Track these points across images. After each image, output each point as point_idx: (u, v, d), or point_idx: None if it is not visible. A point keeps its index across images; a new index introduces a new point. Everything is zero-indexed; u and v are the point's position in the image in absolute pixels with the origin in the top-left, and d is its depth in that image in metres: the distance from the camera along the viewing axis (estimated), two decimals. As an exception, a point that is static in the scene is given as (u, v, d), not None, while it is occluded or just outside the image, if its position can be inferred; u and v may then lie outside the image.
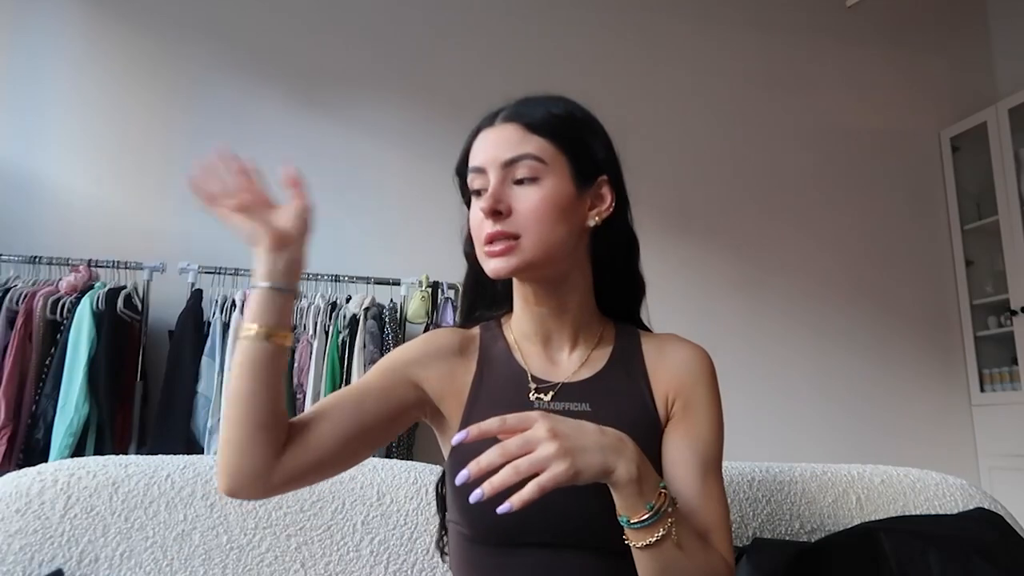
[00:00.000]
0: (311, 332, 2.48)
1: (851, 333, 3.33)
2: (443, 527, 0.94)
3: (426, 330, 2.68)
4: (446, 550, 0.93)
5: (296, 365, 2.44)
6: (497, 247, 0.84)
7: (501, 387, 0.89)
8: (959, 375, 3.42)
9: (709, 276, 3.23)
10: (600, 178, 0.89)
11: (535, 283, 0.89)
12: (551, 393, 0.88)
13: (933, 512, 1.16)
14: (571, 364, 0.91)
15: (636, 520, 0.72)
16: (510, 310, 0.95)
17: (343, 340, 2.49)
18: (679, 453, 0.85)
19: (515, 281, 0.92)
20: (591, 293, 0.93)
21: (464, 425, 0.85)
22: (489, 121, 0.89)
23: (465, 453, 0.76)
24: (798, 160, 3.44)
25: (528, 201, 0.84)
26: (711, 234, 3.29)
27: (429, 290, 2.68)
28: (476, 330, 0.96)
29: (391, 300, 2.67)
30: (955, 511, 1.15)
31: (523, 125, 0.86)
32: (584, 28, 3.32)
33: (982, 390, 3.35)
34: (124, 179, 2.79)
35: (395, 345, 2.52)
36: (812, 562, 0.99)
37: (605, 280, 0.94)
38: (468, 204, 0.91)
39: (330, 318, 2.52)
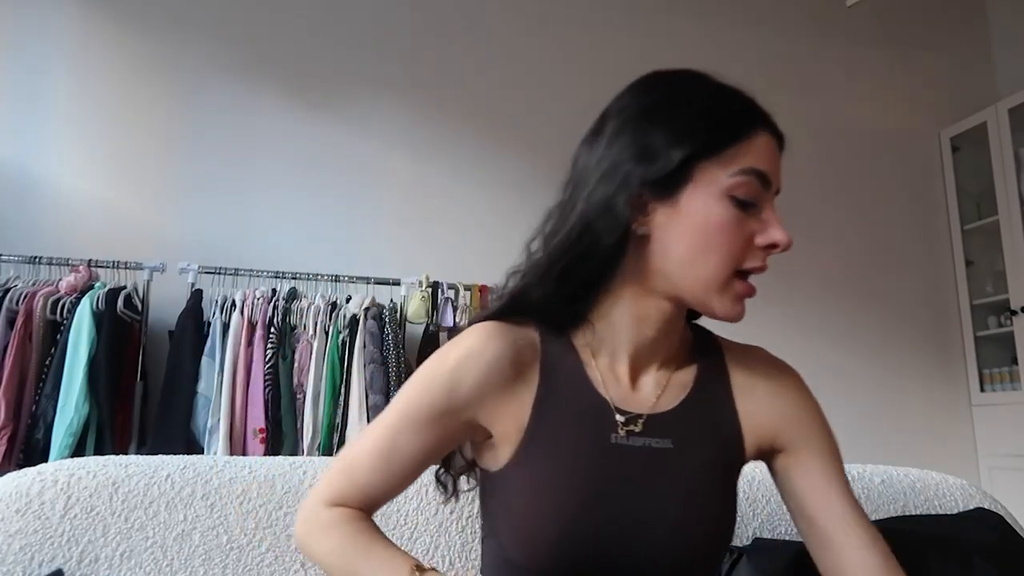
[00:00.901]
0: (311, 332, 2.48)
1: (851, 333, 3.33)
2: (446, 470, 0.89)
3: (426, 330, 2.68)
4: (448, 484, 0.89)
5: (296, 365, 2.44)
6: (751, 288, 0.74)
7: (573, 415, 0.76)
8: (959, 375, 3.42)
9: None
10: None
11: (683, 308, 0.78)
12: (639, 424, 0.76)
13: (933, 512, 1.16)
14: (652, 389, 0.79)
15: None
16: (581, 318, 0.79)
17: (343, 340, 2.49)
18: (818, 491, 0.79)
19: (652, 298, 0.76)
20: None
21: (524, 452, 0.74)
22: (770, 126, 0.76)
23: (532, 466, 0.73)
24: (798, 160, 3.41)
25: None
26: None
27: (429, 290, 2.68)
28: (533, 332, 0.78)
29: (391, 300, 2.67)
30: (955, 511, 1.15)
31: (781, 150, 0.77)
32: (584, 28, 3.32)
33: (982, 390, 3.35)
34: (124, 179, 2.79)
35: (395, 345, 2.52)
36: (812, 562, 0.99)
37: None
38: (661, 181, 0.71)
39: (330, 318, 2.52)
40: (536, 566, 0.73)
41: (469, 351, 0.75)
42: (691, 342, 0.83)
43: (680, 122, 0.72)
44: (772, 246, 0.73)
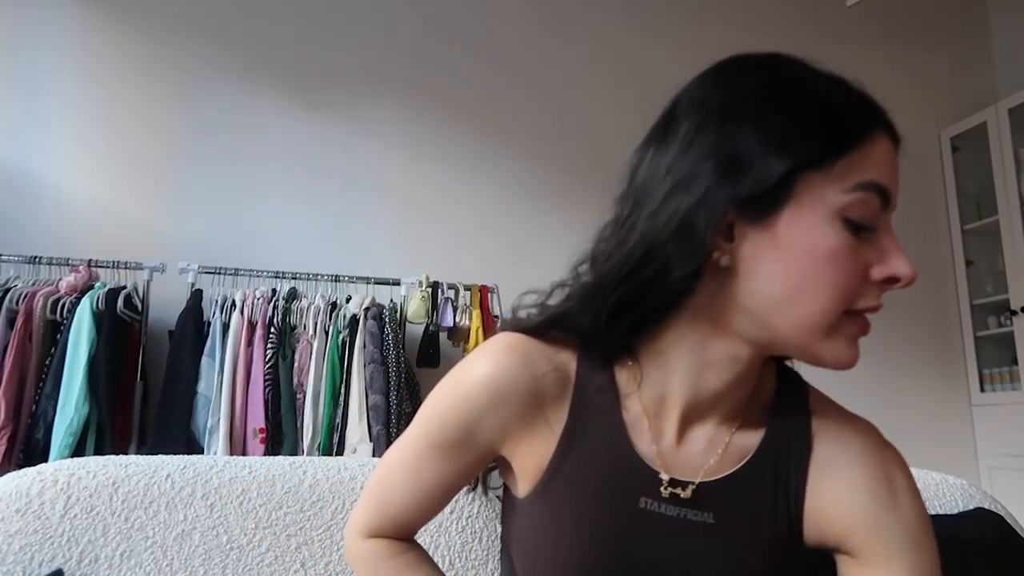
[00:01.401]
0: (311, 332, 2.48)
1: (851, 333, 3.33)
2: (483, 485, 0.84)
3: (426, 330, 2.68)
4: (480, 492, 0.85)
5: (296, 365, 2.44)
6: (867, 326, 0.59)
7: (600, 465, 0.64)
8: (959, 375, 3.42)
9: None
10: None
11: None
12: (687, 491, 0.63)
13: (933, 512, 1.16)
14: (704, 451, 0.64)
15: None
16: (628, 349, 0.65)
17: (343, 340, 2.49)
18: None
19: (725, 339, 0.61)
20: None
21: (543, 492, 0.65)
22: (889, 129, 0.61)
23: (551, 508, 0.65)
24: (798, 160, 3.44)
25: None
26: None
27: (429, 290, 2.68)
28: (570, 357, 0.66)
29: (391, 300, 2.67)
30: (955, 511, 1.15)
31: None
32: (584, 28, 3.32)
33: (982, 390, 3.35)
34: (124, 179, 2.79)
35: (395, 345, 2.52)
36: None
37: None
38: (749, 201, 0.56)
39: (330, 318, 2.52)
40: None
41: (484, 379, 0.64)
42: (771, 392, 0.67)
43: (779, 124, 0.56)
44: (892, 279, 0.58)
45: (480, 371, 0.65)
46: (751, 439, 0.65)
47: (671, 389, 0.64)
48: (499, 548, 0.96)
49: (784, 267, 0.57)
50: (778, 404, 0.67)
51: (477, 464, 0.70)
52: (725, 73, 0.62)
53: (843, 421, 0.67)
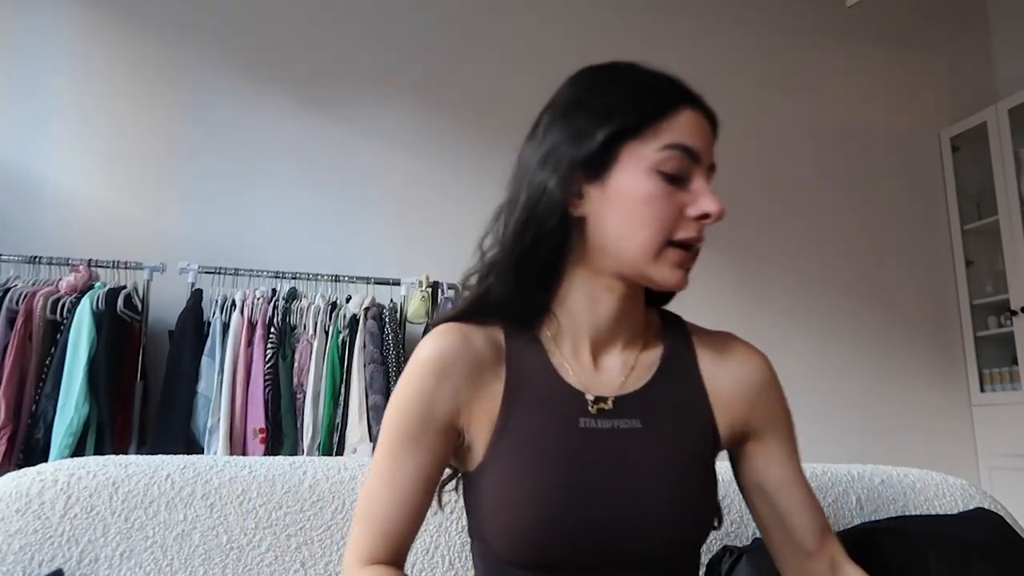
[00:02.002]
0: (311, 332, 2.48)
1: (851, 333, 3.33)
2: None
3: (426, 330, 2.68)
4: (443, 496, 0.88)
5: (296, 365, 2.44)
6: (690, 256, 0.76)
7: (541, 404, 0.77)
8: (959, 375, 3.42)
9: (708, 276, 3.21)
10: None
11: (640, 291, 0.80)
12: (608, 403, 0.77)
13: (933, 512, 1.16)
14: (618, 371, 0.79)
15: None
16: (545, 310, 0.81)
17: (343, 340, 2.49)
18: (780, 472, 0.82)
19: (602, 276, 0.78)
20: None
21: (496, 446, 0.75)
22: (694, 102, 0.77)
23: (505, 458, 0.74)
24: (798, 160, 3.44)
25: None
26: (710, 234, 3.26)
27: (429, 290, 2.68)
28: (497, 331, 0.80)
29: (391, 300, 2.67)
30: (955, 511, 1.15)
31: (714, 130, 0.78)
32: (584, 28, 3.32)
33: (982, 390, 3.35)
34: (124, 179, 2.79)
35: (395, 345, 2.52)
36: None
37: None
38: (592, 164, 0.74)
39: (330, 318, 2.52)
40: (519, 558, 0.73)
41: (429, 356, 0.76)
42: (658, 325, 0.84)
43: (604, 104, 0.75)
44: (704, 216, 0.74)
45: (424, 352, 0.77)
46: (653, 356, 0.81)
47: (579, 328, 0.79)
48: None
49: (617, 212, 0.74)
50: (666, 331, 0.84)
51: (444, 448, 0.77)
52: (573, 78, 0.81)
53: (713, 335, 0.85)
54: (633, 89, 0.76)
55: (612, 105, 0.75)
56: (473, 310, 0.80)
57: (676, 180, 0.73)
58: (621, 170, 0.74)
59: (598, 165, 0.74)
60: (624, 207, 0.74)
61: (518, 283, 0.77)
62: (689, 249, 0.75)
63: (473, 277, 0.81)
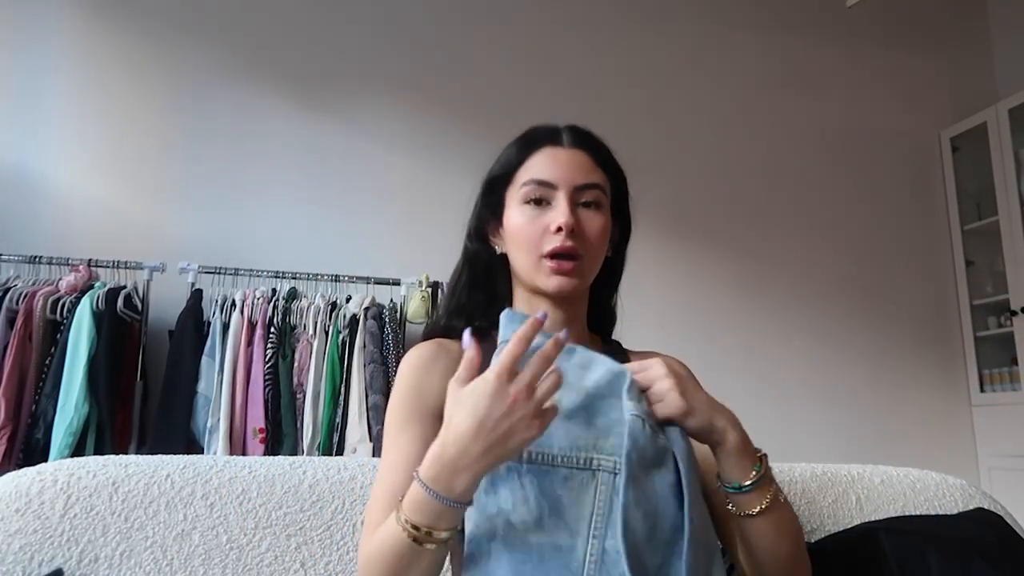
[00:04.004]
0: (311, 332, 2.48)
1: (851, 333, 3.33)
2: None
3: (426, 330, 2.68)
4: None
5: (296, 365, 2.44)
6: (566, 264, 0.89)
7: None
8: (959, 375, 3.42)
9: (708, 277, 3.23)
10: (621, 214, 0.99)
11: (564, 299, 0.94)
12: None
13: (933, 512, 1.16)
14: None
15: (747, 483, 0.79)
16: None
17: (343, 340, 2.49)
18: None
19: (530, 292, 0.94)
20: (586, 312, 0.99)
21: None
22: (554, 140, 0.96)
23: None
24: (797, 160, 3.44)
25: (593, 226, 0.91)
26: (710, 234, 3.29)
27: (429, 290, 2.68)
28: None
29: (391, 300, 2.67)
30: (955, 511, 1.15)
31: (592, 156, 0.95)
32: (584, 29, 3.32)
33: (982, 390, 3.35)
34: (124, 179, 2.79)
35: (395, 345, 2.52)
36: (812, 562, 0.99)
37: (592, 302, 1.00)
38: (493, 210, 0.97)
39: (330, 318, 2.52)
40: None
41: (415, 356, 0.93)
42: (600, 347, 0.97)
43: (495, 164, 1.00)
44: (558, 228, 0.89)
45: (412, 356, 0.94)
46: None
47: None
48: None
49: (511, 241, 0.95)
50: (609, 350, 0.96)
51: (436, 429, 0.83)
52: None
53: (645, 354, 0.99)
54: (510, 147, 0.99)
55: (497, 163, 0.99)
56: (448, 321, 0.98)
57: (540, 204, 0.92)
58: (507, 210, 0.95)
59: (496, 210, 0.97)
60: (511, 236, 0.94)
61: (470, 300, 0.97)
62: (558, 258, 0.89)
63: (443, 318, 1.00)
